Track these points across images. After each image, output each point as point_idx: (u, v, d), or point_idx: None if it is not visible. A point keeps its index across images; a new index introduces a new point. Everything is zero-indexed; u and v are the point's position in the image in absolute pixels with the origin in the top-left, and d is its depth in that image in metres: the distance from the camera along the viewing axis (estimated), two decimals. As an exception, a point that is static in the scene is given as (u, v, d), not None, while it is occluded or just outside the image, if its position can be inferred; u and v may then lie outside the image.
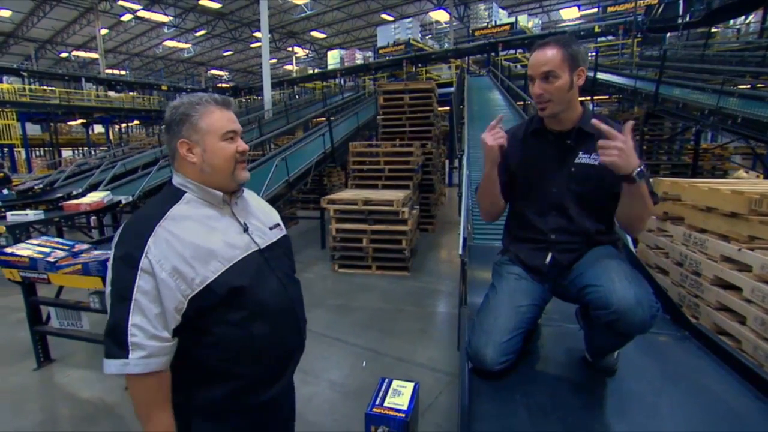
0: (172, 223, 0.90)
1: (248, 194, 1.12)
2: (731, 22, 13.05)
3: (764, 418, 1.11)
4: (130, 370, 0.84)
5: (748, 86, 7.43)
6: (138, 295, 0.84)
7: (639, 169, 1.06)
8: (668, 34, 13.80)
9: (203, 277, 0.89)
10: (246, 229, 1.01)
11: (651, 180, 1.27)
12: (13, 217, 4.58)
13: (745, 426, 1.10)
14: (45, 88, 17.12)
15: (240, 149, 0.98)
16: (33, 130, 17.21)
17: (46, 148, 19.17)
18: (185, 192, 0.96)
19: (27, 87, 16.05)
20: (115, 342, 0.84)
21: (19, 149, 14.79)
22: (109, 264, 0.89)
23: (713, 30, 12.49)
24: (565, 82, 1.20)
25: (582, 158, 1.26)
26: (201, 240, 0.91)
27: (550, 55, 1.20)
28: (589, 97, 10.81)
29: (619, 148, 1.04)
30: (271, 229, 1.09)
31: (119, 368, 0.84)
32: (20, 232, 4.47)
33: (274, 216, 1.15)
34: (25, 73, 17.56)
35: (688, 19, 11.76)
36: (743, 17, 12.24)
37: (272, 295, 1.00)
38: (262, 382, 1.01)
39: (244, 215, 1.04)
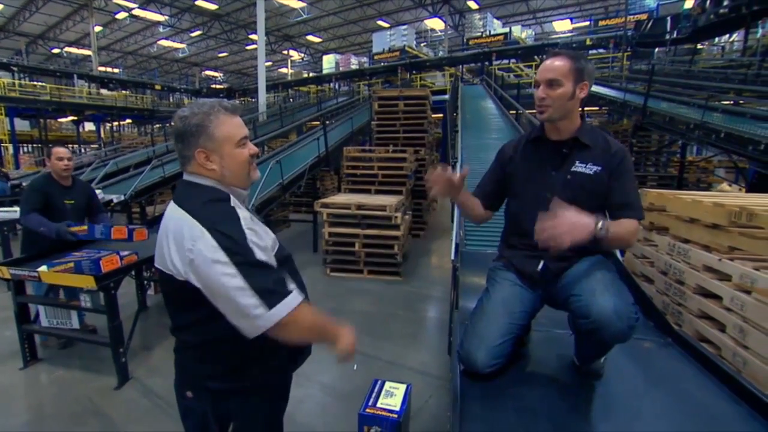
0: (242, 213, 0.99)
1: None
2: (716, 39, 13.46)
3: (740, 421, 1.16)
4: (302, 299, 0.95)
5: (731, 102, 7.66)
6: (264, 257, 0.93)
7: (599, 227, 1.11)
8: (656, 49, 14.17)
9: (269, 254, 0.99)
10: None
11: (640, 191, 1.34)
12: (1, 214, 4.51)
13: (722, 428, 1.15)
14: (35, 83, 16.87)
15: (252, 152, 1.06)
16: (22, 125, 16.92)
17: (34, 145, 18.84)
18: (227, 193, 1.03)
19: (17, 82, 15.79)
20: (279, 284, 0.93)
21: (6, 145, 14.53)
22: (215, 253, 0.89)
23: (699, 46, 12.87)
24: (567, 91, 1.28)
25: (578, 167, 1.32)
26: (257, 225, 1.02)
27: (558, 64, 1.28)
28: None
29: (546, 229, 1.07)
30: None
31: (294, 298, 0.93)
32: (8, 229, 4.41)
33: None
34: (15, 68, 17.31)
35: (675, 35, 12.12)
36: (728, 35, 12.65)
37: (298, 275, 1.14)
38: (295, 354, 1.15)
39: (252, 213, 1.14)
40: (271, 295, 0.89)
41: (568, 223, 1.07)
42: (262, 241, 0.97)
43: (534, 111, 1.46)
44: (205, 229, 0.90)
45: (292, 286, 0.96)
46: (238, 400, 1.05)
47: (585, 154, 1.32)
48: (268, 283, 0.90)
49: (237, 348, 0.98)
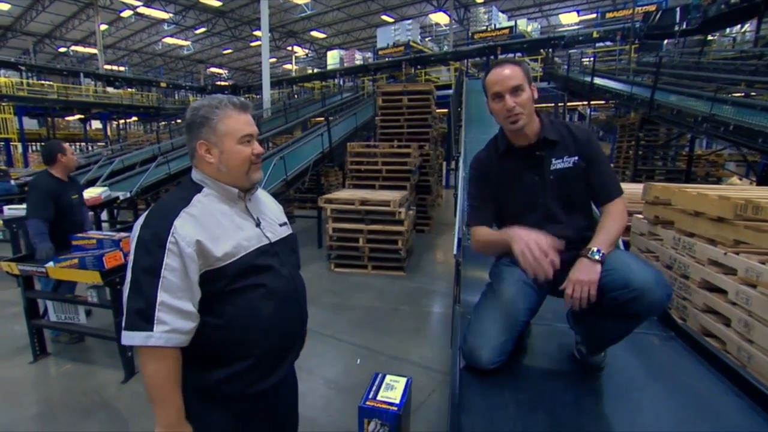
0: (196, 208, 0.97)
1: (260, 192, 1.19)
2: (727, 30, 13.20)
3: (742, 415, 1.14)
4: (153, 342, 0.89)
5: (742, 94, 7.52)
6: (166, 272, 0.89)
7: (595, 254, 1.18)
8: (665, 41, 13.93)
9: (218, 258, 0.95)
10: (258, 224, 1.08)
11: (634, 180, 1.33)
12: (9, 211, 4.57)
13: (723, 422, 1.14)
14: (43, 82, 17.03)
15: (255, 152, 1.04)
16: (30, 124, 17.12)
17: (42, 143, 19.03)
18: (203, 186, 1.03)
19: (25, 81, 15.97)
20: (141, 315, 0.89)
21: (15, 143, 14.71)
22: (134, 244, 0.93)
23: (709, 38, 12.63)
24: (530, 95, 1.28)
25: (556, 164, 1.32)
26: (220, 227, 0.98)
27: (515, 69, 1.27)
28: (585, 102, 10.91)
29: (575, 290, 1.15)
30: (280, 226, 1.17)
31: (143, 340, 0.89)
32: (17, 226, 4.47)
33: (282, 215, 1.23)
34: (23, 67, 17.48)
35: (684, 26, 11.91)
36: (739, 26, 12.40)
37: (280, 283, 1.06)
38: (263, 368, 1.06)
39: (256, 211, 1.11)
40: (127, 318, 0.90)
41: (578, 279, 1.15)
42: (209, 241, 0.93)
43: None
44: (145, 215, 0.97)
45: (163, 326, 0.89)
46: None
47: (557, 150, 1.33)
48: (132, 305, 0.90)
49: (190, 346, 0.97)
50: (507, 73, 1.26)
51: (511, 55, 14.40)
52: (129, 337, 0.90)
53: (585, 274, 1.15)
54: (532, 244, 1.14)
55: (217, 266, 0.95)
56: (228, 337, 0.99)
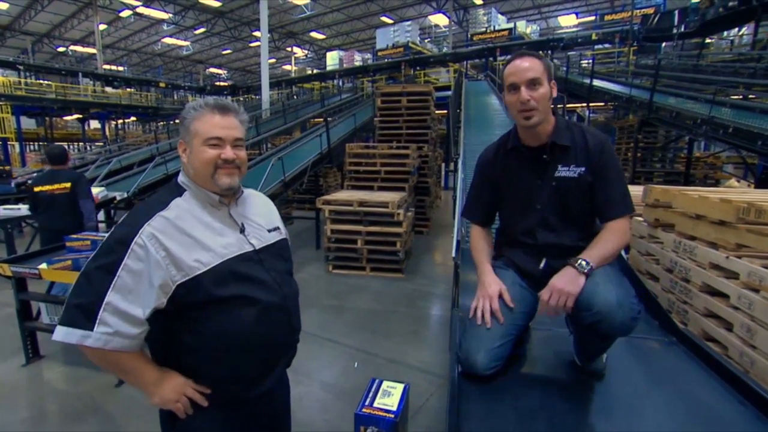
0: (173, 212, 0.94)
1: (254, 195, 1.16)
2: (725, 33, 13.24)
3: (745, 421, 1.12)
4: (90, 343, 0.84)
5: (740, 97, 7.52)
6: (123, 273, 0.85)
7: (582, 267, 1.15)
8: (663, 44, 13.97)
9: (193, 267, 0.91)
10: (242, 230, 1.04)
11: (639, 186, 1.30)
12: (5, 211, 4.54)
13: (725, 428, 1.12)
14: (41, 82, 16.99)
15: (223, 156, 0.98)
16: (28, 124, 17.06)
17: (40, 143, 18.98)
18: (186, 190, 1.00)
19: (23, 80, 15.92)
20: (83, 312, 0.84)
21: (13, 143, 14.65)
22: (102, 240, 0.91)
23: (707, 41, 12.66)
24: (548, 91, 1.23)
25: (561, 171, 1.27)
26: (197, 233, 0.95)
27: (534, 62, 1.22)
28: (584, 104, 10.92)
29: (551, 297, 1.14)
30: (270, 231, 1.12)
31: (80, 339, 0.84)
32: (12, 227, 4.44)
33: (275, 219, 1.18)
34: (21, 67, 17.45)
35: (683, 29, 11.94)
36: (737, 29, 12.43)
37: (264, 292, 1.01)
38: (249, 378, 1.03)
39: (241, 217, 1.07)
40: (66, 312, 0.86)
41: (558, 287, 1.13)
42: (182, 248, 0.91)
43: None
44: (125, 216, 0.97)
45: (104, 328, 0.84)
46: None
47: (566, 156, 1.27)
48: (75, 299, 0.86)
49: (167, 355, 0.98)
50: (525, 65, 1.21)
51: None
52: (63, 334, 0.84)
53: (566, 283, 1.13)
54: (487, 301, 1.27)
55: (191, 275, 0.91)
56: (210, 349, 0.96)
